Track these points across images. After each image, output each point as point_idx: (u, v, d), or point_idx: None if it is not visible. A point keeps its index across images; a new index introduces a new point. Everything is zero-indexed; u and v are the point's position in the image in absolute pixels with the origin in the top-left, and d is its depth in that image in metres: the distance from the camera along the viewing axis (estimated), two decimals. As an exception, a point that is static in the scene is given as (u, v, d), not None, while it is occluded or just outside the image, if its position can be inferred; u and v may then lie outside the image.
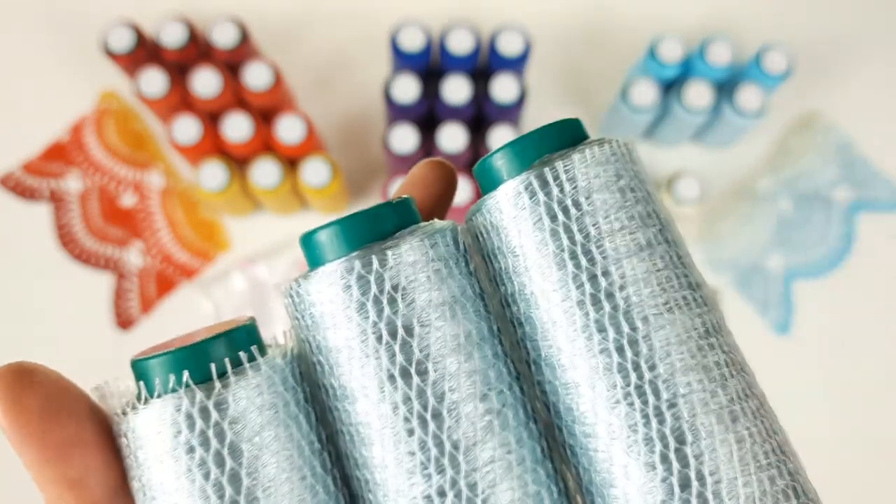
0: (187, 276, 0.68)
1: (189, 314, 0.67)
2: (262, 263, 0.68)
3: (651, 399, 0.16)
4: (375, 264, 0.17)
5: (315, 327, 0.17)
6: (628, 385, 0.16)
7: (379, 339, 0.17)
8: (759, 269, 0.70)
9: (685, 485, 0.16)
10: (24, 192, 0.68)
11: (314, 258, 0.18)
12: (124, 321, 0.66)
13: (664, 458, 0.16)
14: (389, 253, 0.17)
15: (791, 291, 0.69)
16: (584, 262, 0.17)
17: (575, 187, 0.17)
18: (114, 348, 0.65)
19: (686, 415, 0.16)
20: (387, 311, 0.17)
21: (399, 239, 0.17)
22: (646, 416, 0.16)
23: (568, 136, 0.18)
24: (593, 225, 0.17)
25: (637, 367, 0.17)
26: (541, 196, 0.17)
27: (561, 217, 0.17)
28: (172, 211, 0.69)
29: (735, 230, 0.70)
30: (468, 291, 0.18)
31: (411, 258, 0.17)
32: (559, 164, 0.17)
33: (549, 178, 0.17)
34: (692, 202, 0.65)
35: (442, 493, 0.16)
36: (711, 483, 0.16)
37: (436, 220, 0.19)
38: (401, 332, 0.17)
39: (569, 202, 0.17)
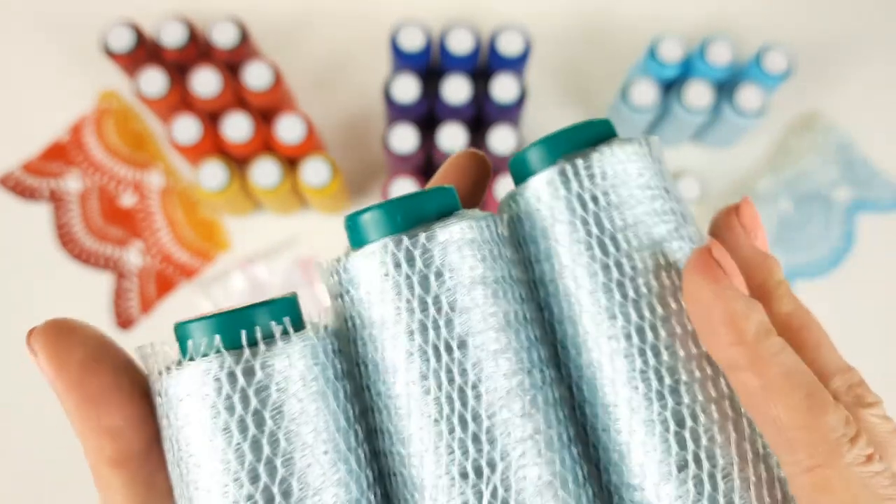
0: (187, 275, 0.68)
1: (189, 314, 0.66)
2: (262, 263, 0.68)
3: (667, 380, 0.17)
4: (430, 241, 0.17)
5: (360, 303, 0.18)
6: (647, 365, 0.18)
7: (426, 314, 0.17)
8: (759, 269, 0.70)
9: (697, 459, 0.17)
10: (24, 192, 0.68)
11: (359, 238, 0.18)
12: (124, 321, 0.66)
13: (678, 436, 0.17)
14: (439, 232, 0.18)
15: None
16: (611, 248, 0.18)
17: (605, 179, 0.19)
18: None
19: (701, 396, 0.17)
20: (434, 288, 0.17)
21: (450, 220, 0.18)
22: (661, 395, 0.17)
23: (600, 133, 0.20)
24: (619, 215, 0.19)
25: (656, 350, 0.18)
26: (574, 184, 0.19)
27: (591, 205, 0.19)
28: (172, 211, 0.69)
29: (735, 230, 0.70)
30: (509, 276, 0.19)
31: (459, 238, 0.18)
32: (593, 156, 0.19)
33: (582, 170, 0.19)
34: (692, 202, 0.65)
35: (491, 464, 0.17)
36: (722, 462, 0.17)
37: (476, 209, 0.19)
38: (447, 308, 0.17)
39: (598, 193, 0.19)
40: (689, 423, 0.17)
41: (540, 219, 0.19)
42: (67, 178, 0.69)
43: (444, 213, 0.18)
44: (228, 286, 0.67)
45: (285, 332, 0.17)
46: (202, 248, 0.68)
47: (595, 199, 0.19)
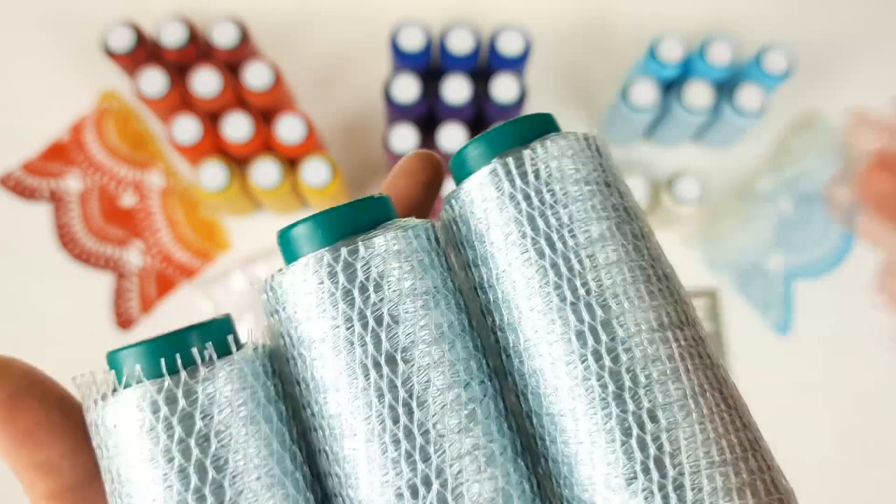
0: (187, 275, 0.68)
1: (189, 314, 0.67)
2: (262, 263, 0.68)
3: (611, 386, 0.17)
4: (354, 255, 0.17)
5: (293, 320, 0.17)
6: (589, 371, 0.17)
7: (361, 327, 0.17)
8: (759, 270, 0.70)
9: (645, 470, 0.16)
10: (24, 192, 0.68)
11: (290, 253, 0.18)
12: (124, 321, 0.66)
13: (625, 445, 0.16)
14: (368, 244, 0.17)
15: (791, 291, 0.69)
16: (546, 250, 0.17)
17: (538, 177, 0.18)
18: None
19: (647, 402, 0.17)
20: (359, 303, 0.17)
21: (377, 231, 0.17)
22: (605, 403, 0.17)
23: (540, 128, 0.19)
24: (553, 214, 0.18)
25: (597, 355, 0.17)
26: (506, 184, 0.18)
27: (524, 205, 0.18)
28: (172, 211, 0.69)
29: (735, 230, 0.70)
30: (447, 284, 0.18)
31: (390, 249, 0.17)
32: (525, 154, 0.18)
33: (513, 168, 0.18)
34: (692, 202, 0.65)
35: (427, 482, 0.16)
36: (672, 472, 0.16)
37: (412, 217, 0.19)
38: (383, 320, 0.17)
39: (531, 191, 0.18)
40: (636, 431, 0.16)
41: (475, 221, 0.18)
42: (67, 178, 0.69)
43: (376, 223, 0.18)
44: (228, 286, 0.67)
45: (213, 357, 0.17)
46: (202, 248, 0.68)
47: (528, 199, 0.18)
